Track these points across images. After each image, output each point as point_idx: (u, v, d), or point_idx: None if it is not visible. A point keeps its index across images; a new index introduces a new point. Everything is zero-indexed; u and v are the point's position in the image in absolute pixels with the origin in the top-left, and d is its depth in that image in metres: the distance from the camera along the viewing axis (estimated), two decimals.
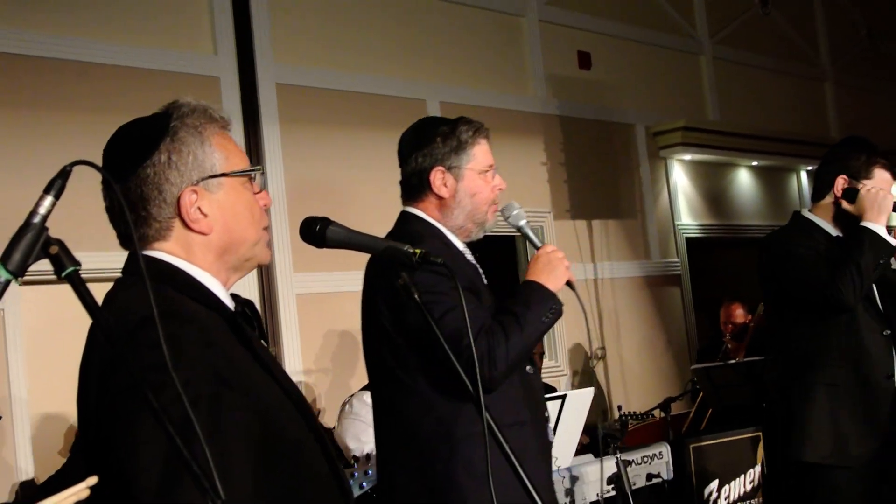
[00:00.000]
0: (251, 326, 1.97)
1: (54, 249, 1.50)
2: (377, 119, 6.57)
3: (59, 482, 4.63)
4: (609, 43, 8.37)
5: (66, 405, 5.27)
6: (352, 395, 5.29)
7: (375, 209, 6.24)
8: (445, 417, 2.96)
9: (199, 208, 1.90)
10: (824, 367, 3.93)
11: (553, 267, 3.08)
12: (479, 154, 3.19)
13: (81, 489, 1.34)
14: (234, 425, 1.71)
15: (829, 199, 4.06)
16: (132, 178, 1.89)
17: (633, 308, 8.10)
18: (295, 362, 5.88)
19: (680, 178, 8.82)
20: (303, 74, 6.28)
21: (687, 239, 8.74)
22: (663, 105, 8.75)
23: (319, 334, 6.00)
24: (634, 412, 6.87)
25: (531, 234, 3.21)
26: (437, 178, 3.16)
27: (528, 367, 3.16)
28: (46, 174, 1.57)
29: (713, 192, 9.19)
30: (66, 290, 1.74)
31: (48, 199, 1.50)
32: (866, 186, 3.91)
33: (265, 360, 1.91)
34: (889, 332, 3.96)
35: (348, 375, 5.93)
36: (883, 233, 3.82)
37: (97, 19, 5.51)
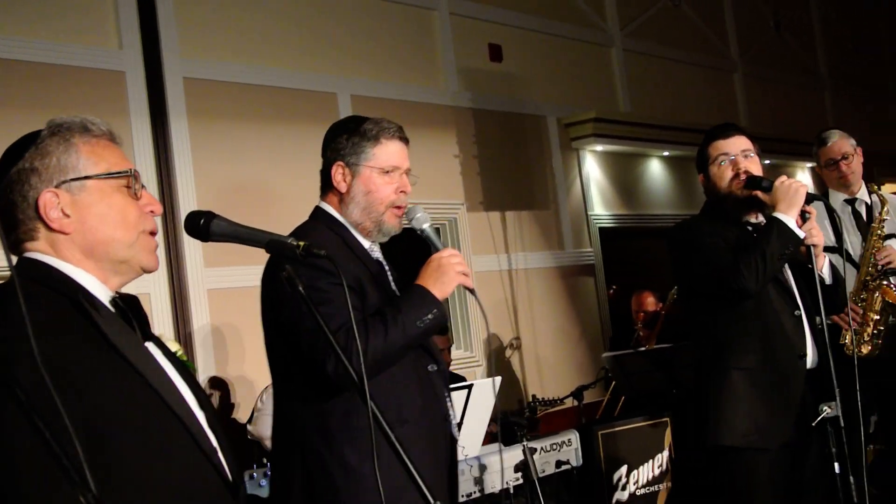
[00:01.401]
0: (128, 321, 2.04)
1: None
2: (288, 113, 6.55)
3: None
4: (520, 35, 8.42)
5: None
6: (263, 390, 5.29)
7: (287, 203, 6.23)
8: (322, 411, 2.99)
9: (63, 210, 2.02)
10: (737, 352, 4.01)
11: (442, 272, 3.06)
12: (382, 154, 3.21)
13: None
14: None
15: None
16: (2, 186, 2.04)
17: (547, 298, 8.17)
18: (207, 357, 5.85)
19: (592, 168, 8.90)
20: (210, 68, 6.23)
21: (600, 229, 8.83)
22: (575, 97, 8.83)
23: (231, 329, 5.97)
24: (543, 398, 6.94)
25: (433, 237, 3.20)
26: (337, 172, 3.21)
27: (430, 366, 3.16)
28: None
29: (625, 182, 9.30)
30: None
31: None
32: (780, 179, 4.01)
33: (128, 353, 1.93)
34: (799, 312, 4.06)
35: (262, 370, 5.91)
36: (792, 224, 3.90)
37: None
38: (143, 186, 2.12)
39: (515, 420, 4.60)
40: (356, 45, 7.13)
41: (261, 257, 5.63)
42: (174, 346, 1.92)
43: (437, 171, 7.37)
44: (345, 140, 3.24)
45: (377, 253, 3.28)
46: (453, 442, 3.24)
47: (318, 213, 3.29)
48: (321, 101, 6.78)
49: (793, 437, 3.97)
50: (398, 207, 3.21)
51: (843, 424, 3.84)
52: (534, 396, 7.06)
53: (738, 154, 4.14)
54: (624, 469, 5.85)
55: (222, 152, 6.20)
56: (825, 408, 3.83)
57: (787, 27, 11.92)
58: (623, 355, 6.76)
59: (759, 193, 4.05)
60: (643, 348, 7.12)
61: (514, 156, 8.15)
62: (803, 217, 3.94)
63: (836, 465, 3.84)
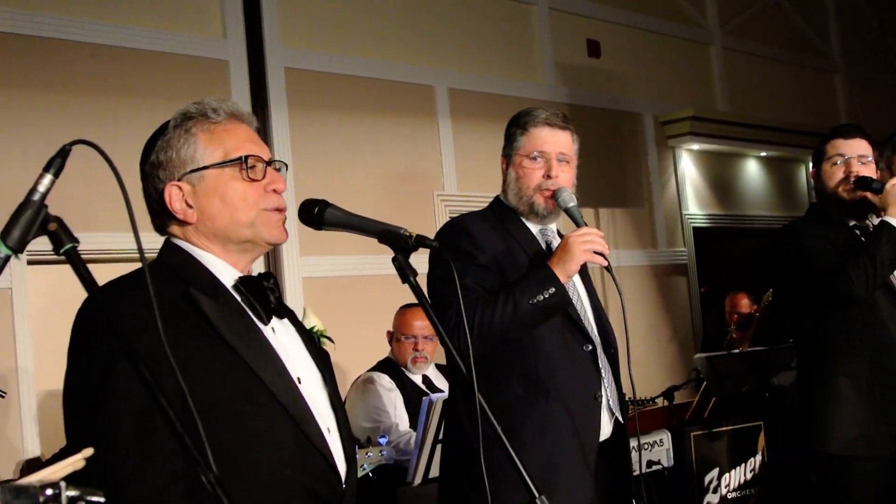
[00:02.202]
0: (251, 303, 2.12)
1: (53, 226, 1.54)
2: (386, 104, 6.60)
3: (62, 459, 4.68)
4: (618, 31, 8.38)
5: None
6: (352, 384, 5.33)
7: (383, 194, 6.29)
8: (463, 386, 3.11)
9: (186, 201, 2.13)
10: (844, 358, 3.93)
11: (567, 251, 3.07)
12: (529, 142, 3.35)
13: (77, 460, 1.38)
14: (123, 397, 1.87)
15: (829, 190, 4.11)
16: (142, 176, 2.18)
17: (639, 297, 8.12)
18: None
19: (688, 167, 8.83)
20: (312, 59, 6.31)
21: (694, 228, 8.76)
22: (672, 94, 8.76)
23: (323, 318, 6.03)
24: (633, 398, 6.88)
25: (576, 216, 3.21)
26: (502, 165, 3.44)
27: (585, 346, 3.22)
28: (42, 158, 1.62)
29: (721, 181, 9.21)
30: (68, 271, 1.81)
31: (47, 178, 1.54)
32: (893, 181, 3.92)
33: (231, 339, 1.99)
34: None
35: (353, 360, 5.97)
36: None
37: (107, 1, 5.55)
38: (268, 163, 2.17)
39: None
40: (454, 39, 7.16)
41: (356, 248, 5.69)
42: (312, 321, 1.98)
43: None
44: (507, 134, 3.41)
45: (550, 236, 3.36)
46: (616, 423, 3.29)
47: (492, 202, 3.45)
48: (419, 94, 6.82)
49: None
50: (547, 189, 3.25)
51: None
52: (624, 397, 7.00)
53: (853, 157, 4.05)
54: (716, 472, 5.79)
55: (321, 142, 6.27)
56: None
57: (890, 28, 11.66)
58: (716, 357, 6.67)
59: (868, 195, 3.97)
60: (737, 350, 7.02)
61: (609, 153, 8.11)
62: None
63: None
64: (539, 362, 3.12)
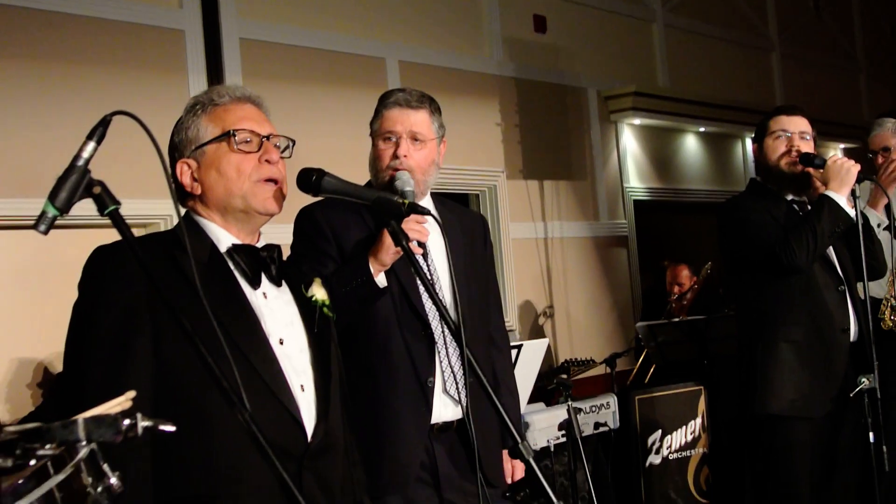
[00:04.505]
0: (250, 266, 2.34)
1: (97, 189, 1.68)
2: (338, 76, 6.69)
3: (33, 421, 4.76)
4: (564, 7, 8.51)
5: (35, 350, 5.39)
6: None
7: (337, 165, 6.38)
8: None
9: (192, 175, 2.37)
10: (784, 325, 4.19)
11: (381, 240, 3.08)
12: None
13: (124, 400, 1.49)
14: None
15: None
16: (169, 158, 2.39)
17: (581, 267, 8.30)
18: None
19: (629, 141, 9.02)
20: (266, 30, 6.36)
21: (634, 201, 8.95)
22: (615, 70, 8.92)
23: None
24: (575, 358, 7.08)
25: (410, 199, 3.10)
26: None
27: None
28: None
29: (661, 156, 9.41)
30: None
31: (91, 145, 1.66)
32: (833, 157, 4.15)
33: (212, 303, 2.07)
34: (843, 287, 4.23)
35: None
36: (843, 203, 4.05)
37: None
38: (265, 138, 2.36)
39: (562, 381, 4.77)
40: (406, 13, 7.25)
41: None
42: (314, 292, 2.09)
43: (479, 139, 7.50)
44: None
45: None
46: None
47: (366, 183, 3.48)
48: (370, 66, 6.91)
49: (833, 407, 4.14)
50: (394, 169, 3.32)
51: (879, 396, 4.02)
52: (566, 360, 7.20)
53: (795, 133, 4.28)
54: (658, 433, 6.03)
55: (275, 112, 6.26)
56: (863, 379, 4.00)
57: (826, 9, 11.96)
58: (657, 325, 6.91)
59: (810, 170, 4.19)
60: (676, 319, 7.26)
61: (554, 126, 8.27)
62: (853, 195, 4.08)
63: (871, 434, 4.02)
64: (371, 349, 3.15)
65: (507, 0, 7.98)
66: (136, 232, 2.48)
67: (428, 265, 3.26)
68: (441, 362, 3.21)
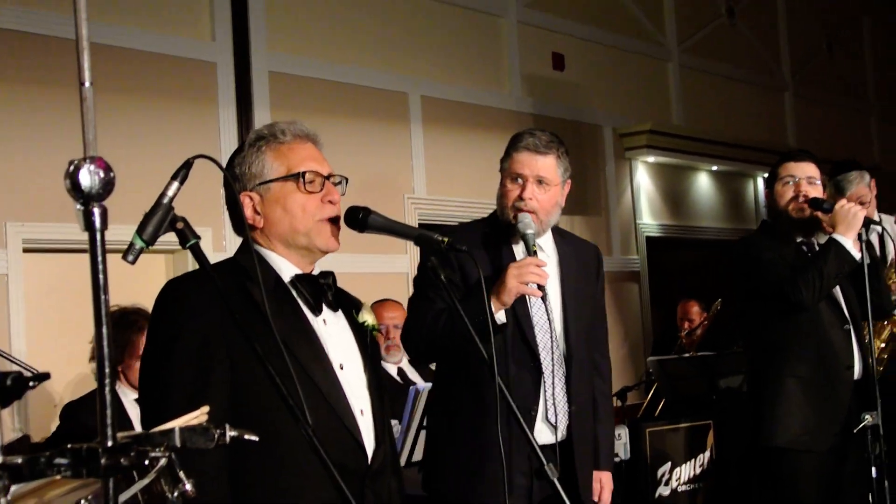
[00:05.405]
0: (311, 294, 2.46)
1: (180, 225, 1.85)
2: (362, 109, 6.86)
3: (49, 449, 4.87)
4: (582, 46, 8.70)
5: (62, 368, 5.53)
6: None
7: (354, 195, 6.53)
8: None
9: (255, 208, 2.47)
10: (791, 360, 4.36)
11: (502, 281, 3.28)
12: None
13: (200, 414, 1.64)
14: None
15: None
16: (225, 186, 2.45)
17: None
18: None
19: (643, 178, 9.18)
20: (294, 63, 6.55)
21: (647, 237, 9.10)
22: (631, 108, 9.10)
23: None
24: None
25: (528, 241, 3.39)
26: None
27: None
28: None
29: (674, 193, 9.57)
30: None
31: (174, 185, 1.84)
32: (840, 203, 4.32)
33: (278, 327, 2.18)
34: (848, 326, 4.39)
35: None
36: (849, 246, 4.22)
37: (100, 0, 5.70)
38: (326, 178, 2.50)
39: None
40: (428, 49, 7.43)
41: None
42: (365, 317, 2.24)
43: (496, 173, 7.62)
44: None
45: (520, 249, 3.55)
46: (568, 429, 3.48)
47: (491, 214, 3.73)
48: (393, 100, 7.09)
49: (837, 442, 4.30)
50: (518, 209, 3.50)
51: (881, 432, 4.17)
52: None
53: (803, 178, 4.44)
54: (668, 466, 6.15)
55: None
56: (867, 416, 4.15)
57: (839, 49, 12.13)
58: (667, 360, 7.03)
59: (819, 214, 4.36)
60: (687, 354, 7.38)
61: (570, 162, 8.35)
62: (860, 239, 4.25)
63: (874, 469, 4.17)
64: (481, 375, 3.22)
65: (526, 38, 8.16)
66: (163, 258, 2.63)
67: (545, 303, 3.41)
68: (545, 392, 3.41)
